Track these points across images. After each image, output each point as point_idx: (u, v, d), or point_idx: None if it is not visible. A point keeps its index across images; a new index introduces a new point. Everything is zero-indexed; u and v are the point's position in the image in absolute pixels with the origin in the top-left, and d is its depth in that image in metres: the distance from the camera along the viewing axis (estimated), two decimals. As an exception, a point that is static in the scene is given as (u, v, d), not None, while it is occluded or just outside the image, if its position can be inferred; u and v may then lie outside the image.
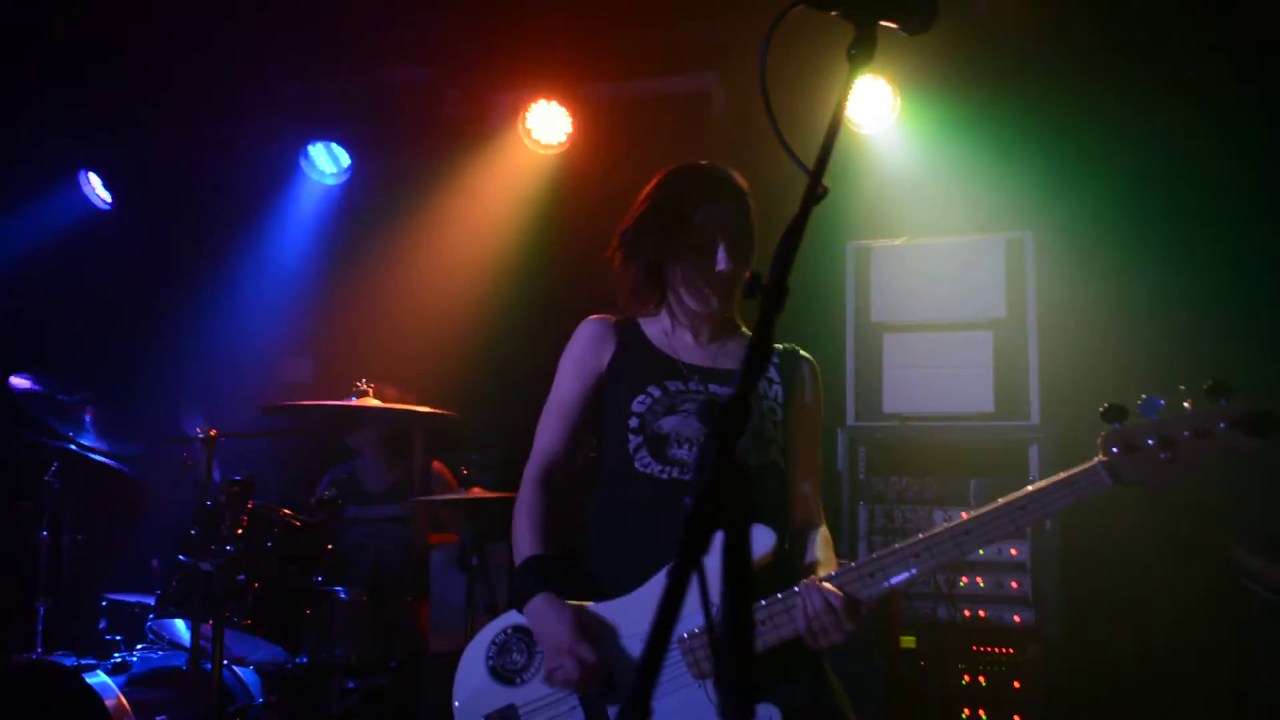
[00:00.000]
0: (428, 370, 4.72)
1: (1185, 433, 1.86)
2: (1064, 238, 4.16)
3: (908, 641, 3.80)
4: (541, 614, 2.08)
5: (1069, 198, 4.23)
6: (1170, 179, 4.14)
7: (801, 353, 2.38)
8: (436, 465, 4.47)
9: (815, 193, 1.37)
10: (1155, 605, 3.87)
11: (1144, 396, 1.91)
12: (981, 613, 3.83)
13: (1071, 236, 4.18)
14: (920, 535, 1.99)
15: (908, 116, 4.56)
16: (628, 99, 5.17)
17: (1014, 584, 3.82)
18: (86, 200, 5.80)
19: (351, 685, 3.82)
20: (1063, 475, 1.93)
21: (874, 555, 2.00)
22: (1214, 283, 4.09)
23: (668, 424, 2.18)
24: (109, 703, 3.35)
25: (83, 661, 3.51)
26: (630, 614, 2.07)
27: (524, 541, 2.20)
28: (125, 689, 3.46)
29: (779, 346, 2.32)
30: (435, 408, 3.94)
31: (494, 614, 3.78)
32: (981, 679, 3.76)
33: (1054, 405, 3.97)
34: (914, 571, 1.98)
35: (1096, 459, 1.91)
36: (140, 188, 5.69)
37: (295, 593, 3.65)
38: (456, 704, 2.14)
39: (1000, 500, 1.97)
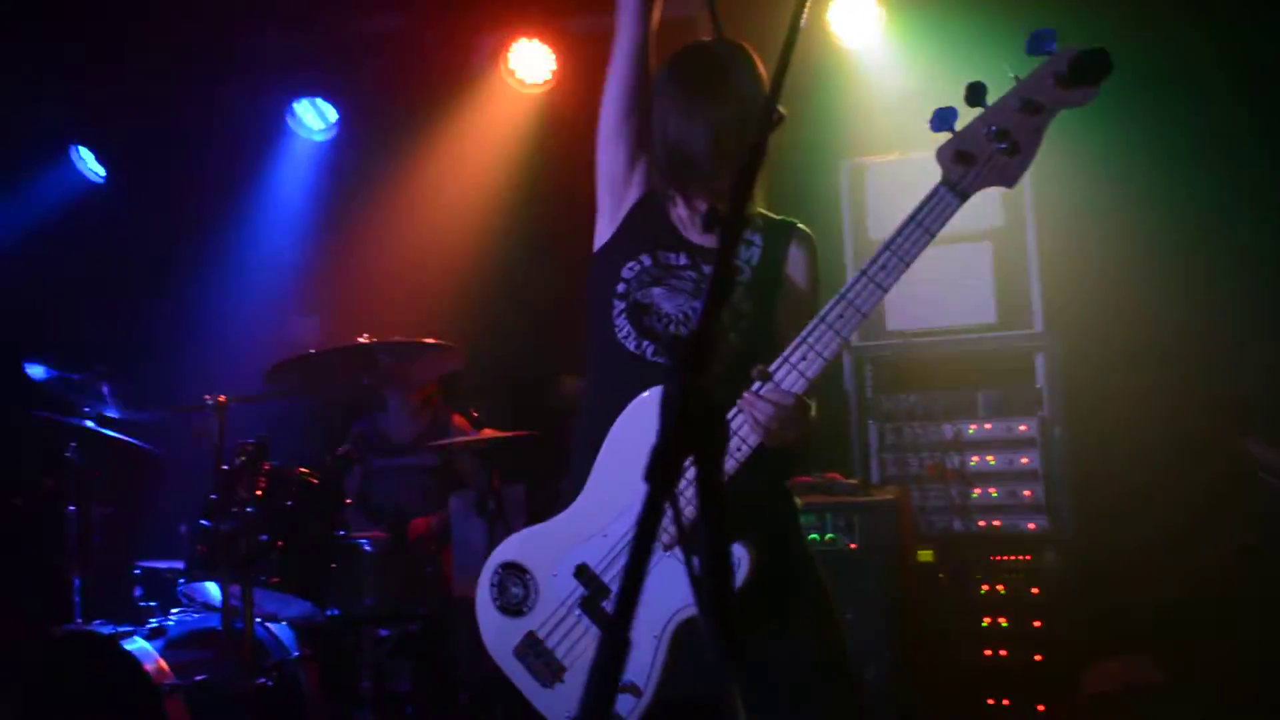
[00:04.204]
0: (433, 316, 4.76)
1: (1016, 107, 1.75)
2: (1059, 142, 4.11)
3: (925, 555, 3.86)
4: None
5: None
6: (1166, 79, 4.08)
7: (799, 227, 2.31)
8: (456, 418, 4.52)
9: (771, 119, 1.36)
10: (1168, 503, 3.92)
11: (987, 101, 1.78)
12: (996, 522, 3.88)
13: (1067, 140, 4.13)
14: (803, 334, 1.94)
15: (893, 28, 4.49)
16: (609, 30, 5.09)
17: (1027, 492, 3.86)
18: (80, 175, 5.81)
19: (383, 633, 3.90)
20: (908, 215, 1.87)
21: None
22: (1216, 178, 4.06)
23: (651, 295, 2.20)
24: (149, 667, 3.44)
25: (120, 629, 3.58)
26: (594, 506, 2.14)
27: None
28: (164, 652, 3.53)
29: (776, 218, 2.30)
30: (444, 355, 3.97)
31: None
32: (1000, 587, 3.83)
33: (1057, 313, 3.97)
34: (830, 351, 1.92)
35: (936, 182, 1.85)
36: (132, 158, 5.68)
37: (319, 548, 3.72)
38: (490, 649, 2.22)
39: (861, 269, 1.91)
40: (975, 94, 1.78)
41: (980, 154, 1.80)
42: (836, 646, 2.20)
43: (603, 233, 2.35)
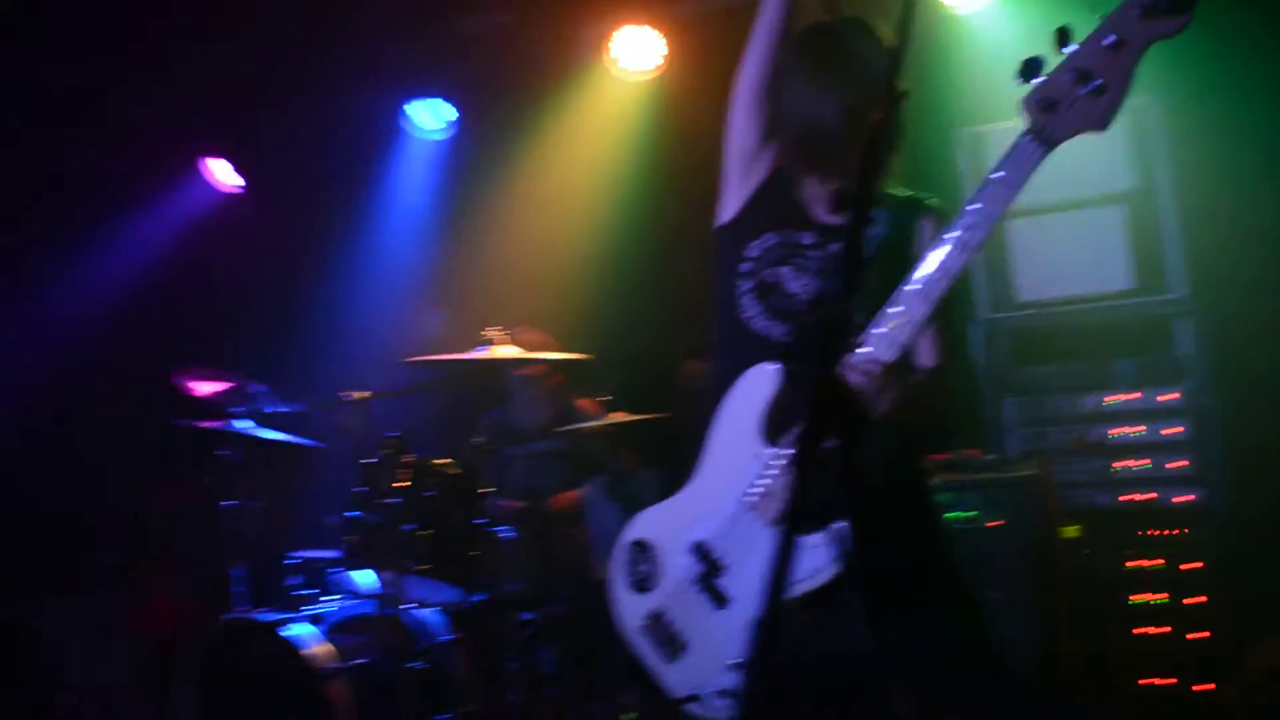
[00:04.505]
0: (557, 305, 4.85)
1: (1104, 44, 1.65)
2: (1195, 102, 3.96)
3: (1070, 531, 3.77)
4: None
5: (1195, 61, 4.02)
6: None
7: (927, 203, 2.26)
8: (583, 403, 4.61)
9: (895, 96, 1.35)
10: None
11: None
12: (1144, 496, 3.77)
13: (1205, 100, 3.98)
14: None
15: (1003, -10, 4.38)
16: (719, 11, 5.09)
17: (1176, 464, 3.74)
18: (211, 186, 6.06)
19: (527, 616, 4.02)
20: (989, 175, 1.79)
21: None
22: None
23: (778, 274, 2.21)
24: (310, 651, 3.60)
25: (282, 616, 3.76)
26: (709, 483, 2.17)
27: None
28: (323, 637, 3.69)
29: (903, 194, 2.26)
30: (565, 344, 4.04)
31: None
32: (1151, 563, 3.71)
33: (1201, 277, 3.83)
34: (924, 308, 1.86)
35: (1019, 134, 1.77)
36: (263, 167, 5.90)
37: (462, 536, 3.84)
38: (621, 626, 2.29)
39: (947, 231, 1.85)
40: (1063, 38, 1.72)
41: (1064, 98, 1.72)
42: (976, 629, 2.19)
43: (728, 208, 2.36)
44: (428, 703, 3.63)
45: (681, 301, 4.67)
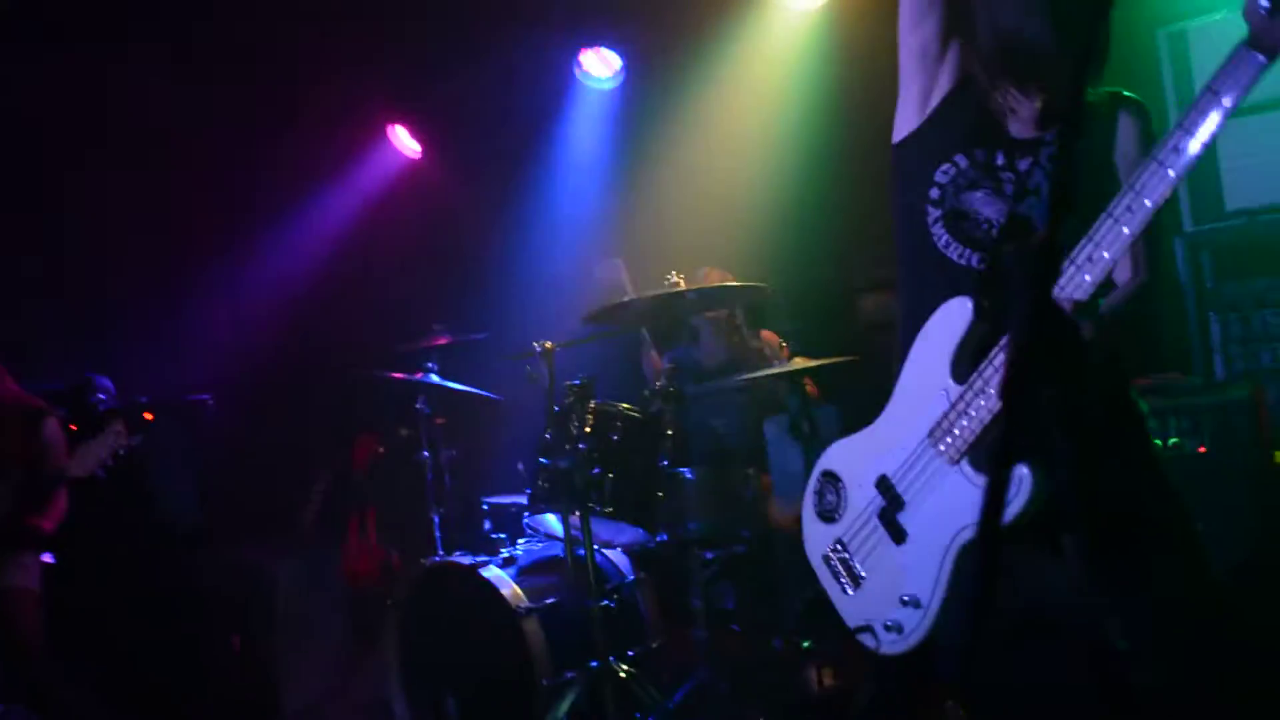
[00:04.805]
0: (733, 245, 4.82)
1: None
2: None
3: (1284, 456, 3.50)
4: None
5: None
6: None
7: (1125, 96, 2.11)
8: (765, 335, 4.59)
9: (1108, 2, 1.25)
10: None
11: None
12: (1372, 413, 3.45)
13: None
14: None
15: None
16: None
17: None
18: (395, 152, 6.32)
19: (709, 556, 4.06)
20: (1204, 84, 1.62)
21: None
22: None
23: (971, 201, 2.10)
24: (505, 591, 3.76)
25: (478, 559, 3.94)
26: (896, 418, 2.13)
27: None
28: (517, 579, 3.85)
29: (1098, 93, 2.10)
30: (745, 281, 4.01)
31: (834, 477, 3.90)
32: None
33: None
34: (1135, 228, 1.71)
35: (1237, 44, 1.59)
36: (441, 130, 6.11)
37: (645, 478, 3.89)
38: (808, 554, 2.31)
39: (1150, 153, 1.69)
40: None
41: None
42: (1196, 565, 2.07)
43: (907, 121, 2.23)
44: (616, 640, 3.72)
45: (860, 235, 4.56)
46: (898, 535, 2.10)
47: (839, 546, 2.22)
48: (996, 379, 1.89)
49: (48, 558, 4.51)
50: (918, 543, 2.06)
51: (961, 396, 1.97)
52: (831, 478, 2.25)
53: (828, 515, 2.25)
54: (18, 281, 5.39)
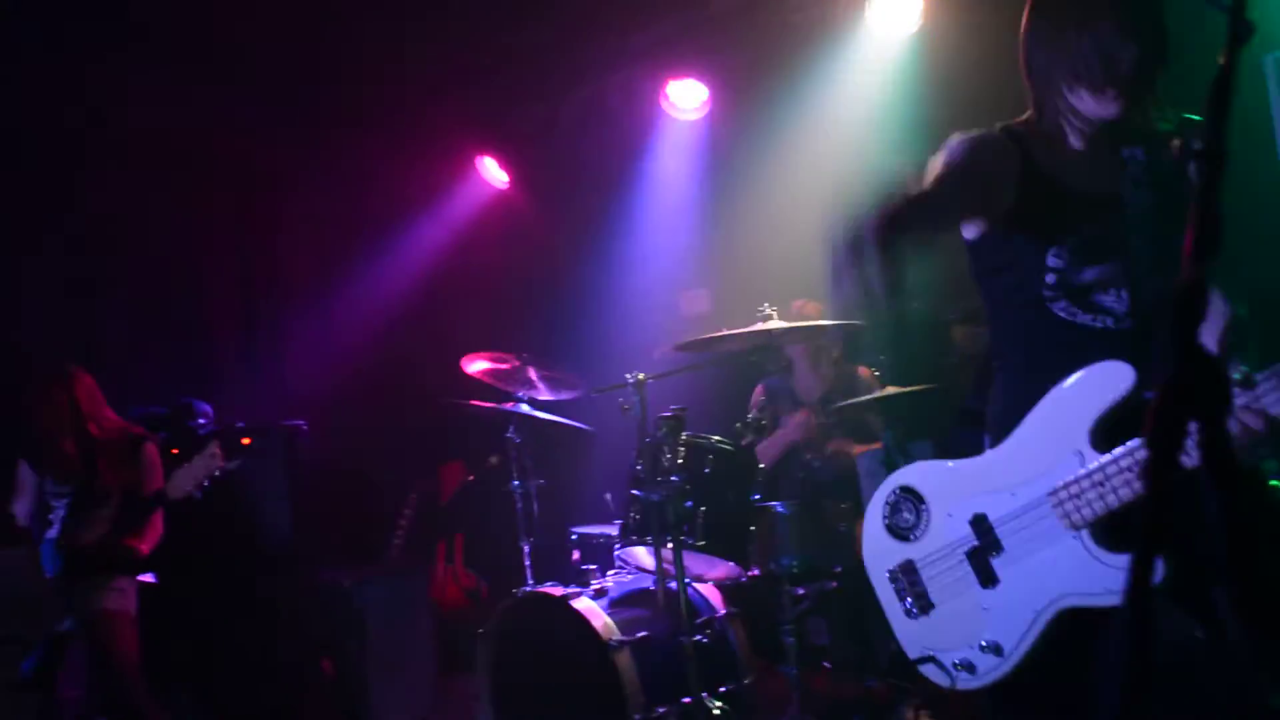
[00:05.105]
0: (826, 280, 4.77)
1: None
2: None
3: None
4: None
5: None
6: None
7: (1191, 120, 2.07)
8: (862, 371, 4.55)
9: (1238, 34, 1.22)
10: None
11: None
12: None
13: None
14: None
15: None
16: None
17: None
18: (484, 183, 6.42)
19: (801, 591, 4.01)
20: None
21: None
22: None
23: (1088, 275, 2.04)
24: (597, 624, 3.74)
25: (569, 590, 3.93)
26: (1007, 465, 2.07)
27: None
28: (608, 611, 3.84)
29: (1162, 128, 2.06)
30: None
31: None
32: None
33: None
34: None
35: None
36: (529, 161, 6.19)
37: (737, 512, 3.88)
38: (866, 560, 2.29)
39: None
40: None
41: None
42: None
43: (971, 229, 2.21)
44: (708, 675, 3.69)
45: (949, 264, 4.48)
46: (986, 578, 2.06)
47: (910, 568, 2.18)
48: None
49: (149, 577, 4.64)
50: (1010, 593, 2.02)
51: (1101, 468, 1.91)
52: (912, 495, 2.21)
53: (901, 533, 2.21)
54: (122, 308, 5.57)
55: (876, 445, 4.34)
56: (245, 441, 5.47)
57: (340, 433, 5.83)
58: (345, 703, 5.03)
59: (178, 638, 4.84)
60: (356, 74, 5.50)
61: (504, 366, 4.46)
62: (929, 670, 2.12)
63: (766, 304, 3.70)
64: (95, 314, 5.25)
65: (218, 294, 6.01)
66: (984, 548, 2.07)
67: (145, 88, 5.14)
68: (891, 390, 3.91)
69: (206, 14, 4.86)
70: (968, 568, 2.09)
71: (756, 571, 3.91)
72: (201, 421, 5.39)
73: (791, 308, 4.40)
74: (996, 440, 2.12)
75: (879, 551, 2.25)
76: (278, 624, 5.15)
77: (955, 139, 2.15)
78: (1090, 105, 2.03)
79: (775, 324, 3.66)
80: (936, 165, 2.11)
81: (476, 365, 4.41)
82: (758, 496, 3.91)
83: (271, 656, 5.10)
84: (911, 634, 2.18)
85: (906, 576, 2.19)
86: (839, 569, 4.02)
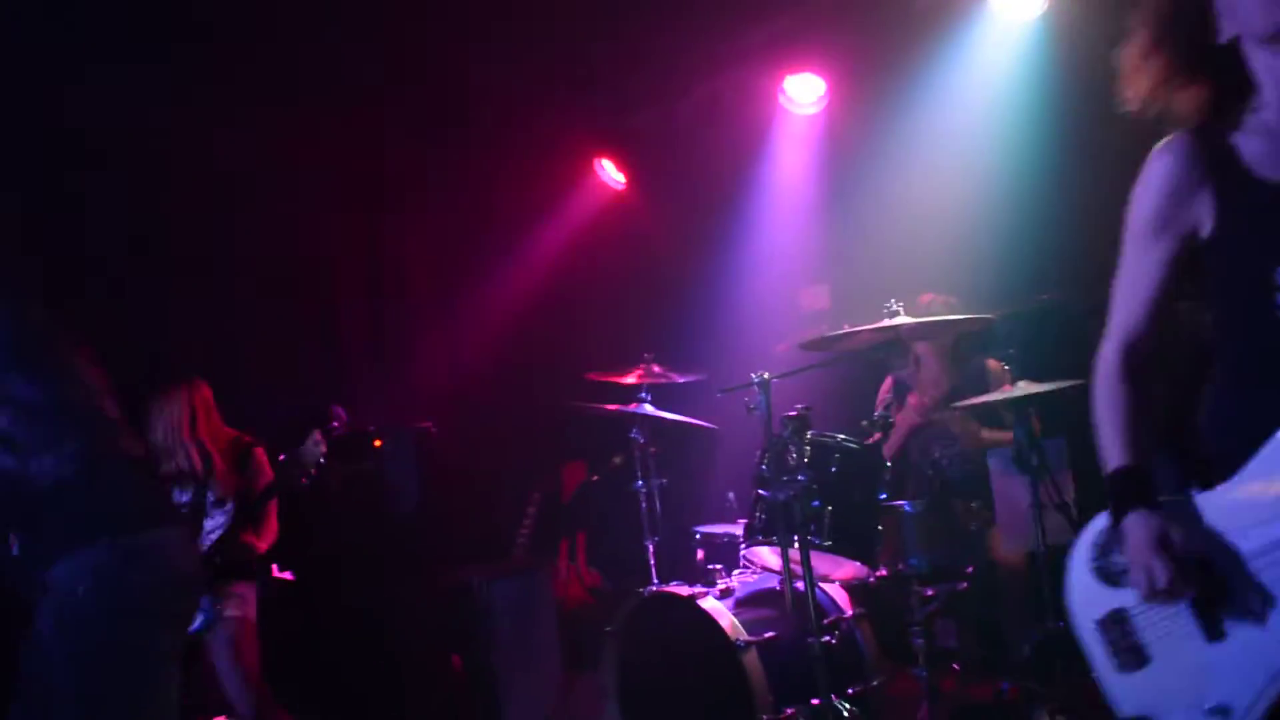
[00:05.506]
0: (951, 269, 4.67)
1: None
2: None
3: None
4: (1130, 529, 1.90)
5: None
6: None
7: None
8: (991, 364, 4.44)
9: None
10: None
11: None
12: None
13: None
14: None
15: None
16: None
17: None
18: (602, 184, 6.47)
19: (929, 592, 3.92)
20: None
21: None
22: None
23: None
24: (724, 623, 3.73)
25: (696, 589, 3.93)
26: (1242, 504, 1.83)
27: (1111, 447, 1.93)
28: (735, 610, 3.82)
29: None
30: (966, 307, 3.87)
31: (1064, 511, 3.71)
32: None
33: None
34: None
35: None
36: (647, 161, 6.21)
37: (864, 511, 3.81)
38: (1070, 608, 2.09)
39: None
40: None
41: None
42: None
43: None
44: (836, 677, 3.64)
45: (1083, 254, 4.33)
46: (1214, 630, 1.84)
47: (1121, 617, 1.97)
48: None
49: (287, 575, 4.83)
50: (1241, 650, 1.81)
51: None
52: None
53: (1110, 576, 1.99)
54: (253, 316, 5.76)
55: (1007, 435, 4.22)
56: (377, 444, 5.66)
57: (466, 433, 5.96)
58: (475, 699, 5.14)
59: (308, 637, 5.02)
60: (475, 80, 5.60)
61: (627, 379, 4.49)
62: None
63: (894, 299, 3.62)
64: (233, 324, 5.44)
65: (349, 302, 6.21)
66: (1212, 597, 1.85)
67: (275, 108, 5.31)
68: (1024, 386, 3.79)
69: (332, 34, 5.00)
70: (1188, 618, 1.89)
71: (884, 572, 3.84)
72: (335, 425, 5.58)
73: (918, 302, 4.30)
74: (1207, 459, 1.91)
75: (1086, 598, 2.05)
76: (409, 621, 5.29)
77: (1153, 157, 1.94)
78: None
79: (903, 319, 3.58)
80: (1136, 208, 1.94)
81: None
82: (884, 495, 3.84)
83: (402, 653, 5.24)
84: (1123, 691, 1.98)
85: (1119, 626, 1.98)
86: (969, 569, 3.92)
